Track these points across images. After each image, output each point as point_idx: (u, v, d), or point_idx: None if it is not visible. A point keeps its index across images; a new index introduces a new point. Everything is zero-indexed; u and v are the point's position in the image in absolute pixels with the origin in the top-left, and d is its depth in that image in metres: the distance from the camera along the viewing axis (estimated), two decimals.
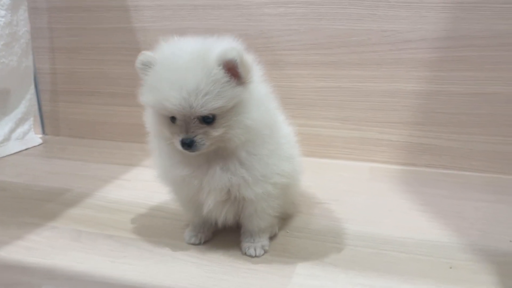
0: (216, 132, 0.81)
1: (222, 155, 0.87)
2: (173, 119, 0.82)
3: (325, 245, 1.01)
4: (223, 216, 0.97)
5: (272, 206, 0.96)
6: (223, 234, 1.05)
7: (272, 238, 1.03)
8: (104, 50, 1.69)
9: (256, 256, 0.96)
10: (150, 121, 0.91)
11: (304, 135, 1.20)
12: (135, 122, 1.73)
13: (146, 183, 1.38)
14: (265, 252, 0.98)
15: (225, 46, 0.80)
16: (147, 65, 0.83)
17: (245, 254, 0.97)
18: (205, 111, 0.78)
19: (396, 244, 1.01)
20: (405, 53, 1.37)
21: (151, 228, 1.10)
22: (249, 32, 1.48)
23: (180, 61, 0.78)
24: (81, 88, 1.78)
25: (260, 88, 0.88)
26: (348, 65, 1.43)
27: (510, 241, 1.02)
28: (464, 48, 1.32)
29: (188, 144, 0.81)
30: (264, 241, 0.99)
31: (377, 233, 1.05)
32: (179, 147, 0.82)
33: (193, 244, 1.01)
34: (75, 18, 1.68)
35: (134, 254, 0.99)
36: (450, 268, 0.92)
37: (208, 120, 0.80)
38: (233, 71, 0.78)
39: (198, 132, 0.81)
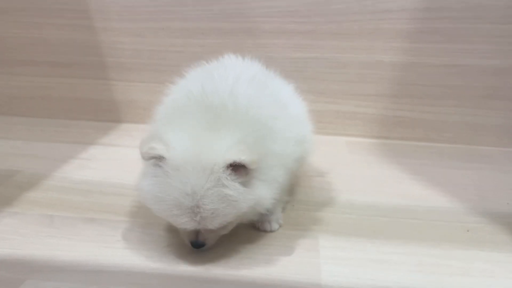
0: (224, 231, 0.78)
1: None
2: None
3: (337, 216, 0.96)
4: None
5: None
6: None
7: (284, 213, 0.95)
8: (41, 11, 1.44)
9: (271, 230, 0.89)
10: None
11: None
12: (82, 96, 1.54)
13: (111, 161, 1.22)
14: (280, 226, 0.90)
15: (228, 147, 0.71)
16: (157, 161, 0.73)
17: (259, 229, 0.89)
18: (214, 226, 0.73)
19: (407, 212, 0.98)
20: (384, 23, 1.34)
21: (135, 209, 0.96)
22: None
23: (191, 177, 0.69)
24: (12, 57, 1.51)
25: None
26: (326, 34, 1.38)
27: (508, 203, 1.05)
28: (440, 20, 1.33)
29: (197, 246, 0.78)
30: (277, 213, 0.91)
31: (383, 203, 1.02)
32: (188, 244, 0.78)
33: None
34: None
35: (129, 237, 0.85)
36: (468, 231, 0.92)
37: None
38: (242, 174, 0.72)
39: (208, 236, 0.77)
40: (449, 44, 1.35)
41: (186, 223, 0.72)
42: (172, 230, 0.86)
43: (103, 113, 1.54)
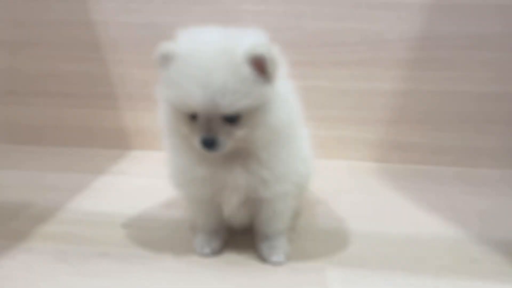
0: (239, 132, 0.75)
1: (241, 155, 0.81)
2: (193, 116, 0.75)
3: (343, 246, 0.99)
4: (241, 218, 0.93)
5: (289, 206, 0.92)
6: (234, 243, 0.98)
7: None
8: (54, 45, 1.50)
9: (279, 262, 0.91)
10: (165, 118, 0.82)
11: None
12: (92, 125, 1.59)
13: (124, 191, 1.26)
14: (287, 257, 0.93)
15: (252, 40, 0.74)
16: (168, 59, 0.74)
17: (267, 261, 0.92)
18: (231, 110, 0.72)
19: (411, 241, 1.01)
20: (383, 52, 1.39)
21: (149, 242, 0.99)
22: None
23: (205, 57, 0.71)
24: (25, 88, 1.57)
25: (285, 84, 0.83)
26: (327, 64, 1.42)
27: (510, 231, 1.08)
28: (438, 49, 1.38)
29: (209, 144, 0.74)
30: (284, 245, 0.94)
31: (386, 231, 1.05)
32: (199, 146, 0.75)
33: (206, 255, 0.93)
34: (20, 7, 1.47)
35: (143, 273, 0.88)
36: (473, 261, 0.93)
37: (232, 119, 0.74)
38: (260, 67, 0.72)
39: (220, 131, 0.74)
40: (446, 72, 1.39)
41: (199, 99, 0.70)
42: (192, 263, 0.90)
43: (112, 141, 1.59)
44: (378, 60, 1.40)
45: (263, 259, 0.92)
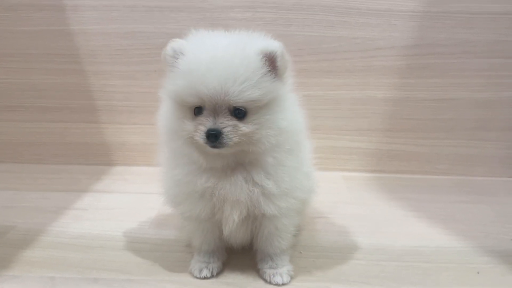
0: (246, 128, 0.73)
1: (245, 165, 0.78)
2: (198, 111, 0.74)
3: (347, 262, 0.94)
4: (242, 237, 0.88)
5: (293, 223, 0.88)
6: (233, 263, 0.92)
7: (292, 261, 0.92)
8: (31, 56, 1.42)
9: (283, 284, 0.86)
10: (166, 117, 0.79)
11: None
12: (72, 140, 1.51)
13: (109, 211, 1.19)
14: (291, 277, 0.88)
15: (264, 39, 0.77)
16: (179, 53, 0.74)
17: (270, 282, 0.86)
18: (240, 100, 0.71)
19: (415, 255, 0.98)
20: (375, 60, 1.37)
21: (141, 265, 0.92)
22: None
23: (218, 48, 0.72)
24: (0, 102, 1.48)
25: (293, 95, 0.82)
26: (319, 72, 1.39)
27: (511, 240, 1.05)
28: (430, 56, 1.36)
29: (214, 136, 0.72)
30: (287, 264, 0.89)
31: (390, 245, 1.02)
32: (202, 140, 0.72)
33: (205, 278, 0.87)
34: None
35: None
36: (478, 273, 0.91)
37: (239, 113, 0.73)
38: (272, 64, 0.73)
39: (227, 123, 0.72)
40: (439, 79, 1.38)
41: (210, 85, 0.70)
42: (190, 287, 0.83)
43: (94, 156, 1.51)
44: (370, 68, 1.38)
45: (265, 280, 0.87)
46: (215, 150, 0.74)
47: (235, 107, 0.72)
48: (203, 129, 0.72)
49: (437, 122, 1.42)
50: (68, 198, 1.24)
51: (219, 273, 0.89)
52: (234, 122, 0.73)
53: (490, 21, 1.33)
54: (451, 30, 1.34)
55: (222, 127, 0.72)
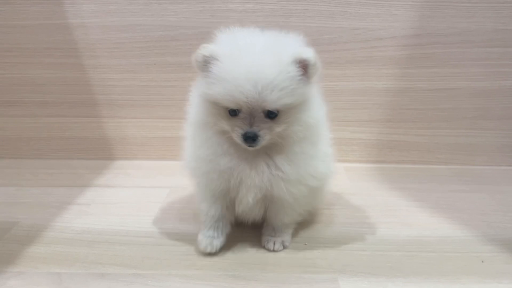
0: (278, 127, 0.79)
1: (269, 150, 0.83)
2: (233, 112, 0.78)
3: (352, 253, 0.95)
4: (254, 215, 0.95)
5: (300, 203, 0.92)
6: (240, 252, 0.95)
7: (295, 253, 0.94)
8: (30, 51, 1.40)
9: (274, 250, 0.94)
10: (200, 111, 0.83)
11: None
12: (72, 135, 1.50)
13: (112, 205, 1.18)
14: (285, 247, 0.95)
15: (297, 44, 0.81)
16: (211, 59, 0.76)
17: (264, 247, 0.95)
18: (276, 105, 0.76)
19: (419, 244, 0.99)
20: (376, 50, 1.36)
21: (148, 260, 0.92)
22: (213, 30, 1.34)
23: (255, 54, 0.75)
24: None
25: (317, 86, 0.86)
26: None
27: None
28: (430, 46, 1.36)
29: (252, 138, 0.77)
30: (285, 236, 0.96)
31: (394, 235, 1.03)
32: (240, 140, 0.78)
33: (209, 253, 0.92)
34: None
35: None
36: (482, 262, 0.92)
37: (272, 115, 0.78)
38: (305, 69, 0.77)
39: (262, 126, 0.78)
40: (439, 69, 1.38)
41: (249, 93, 0.73)
42: (197, 280, 0.84)
43: (95, 151, 1.50)
44: (371, 58, 1.37)
45: (262, 244, 0.95)
46: (250, 148, 0.80)
47: (269, 110, 0.77)
48: (240, 131, 0.78)
49: (437, 112, 1.42)
50: (70, 193, 1.24)
51: (221, 248, 0.93)
52: (268, 124, 0.78)
53: (490, 10, 1.32)
54: (451, 19, 1.33)
55: (259, 130, 0.77)
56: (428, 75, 1.39)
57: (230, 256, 0.93)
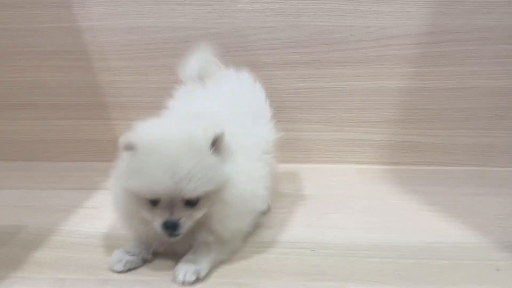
0: (199, 213, 0.80)
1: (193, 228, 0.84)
2: (153, 202, 0.79)
3: (361, 260, 0.92)
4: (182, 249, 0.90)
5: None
6: None
7: (301, 260, 0.91)
8: (39, 54, 1.41)
9: (182, 281, 0.81)
10: (122, 201, 0.86)
11: (285, 140, 1.14)
12: (82, 138, 1.50)
13: None
14: (198, 279, 0.82)
15: (207, 125, 0.82)
16: (130, 149, 0.79)
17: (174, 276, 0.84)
18: (194, 195, 0.77)
19: (431, 251, 0.95)
20: (388, 49, 1.33)
21: (153, 266, 0.90)
22: (221, 30, 1.34)
23: (170, 146, 0.77)
24: (9, 101, 1.48)
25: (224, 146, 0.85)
26: (330, 63, 1.36)
27: None
28: (446, 43, 1.32)
29: (172, 227, 0.78)
30: (201, 262, 0.84)
31: (405, 241, 0.99)
32: (160, 230, 0.79)
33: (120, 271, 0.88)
34: (2, 16, 1.38)
35: None
36: (498, 270, 0.88)
37: (192, 203, 0.79)
38: (216, 146, 0.80)
39: (183, 214, 0.79)
40: (455, 67, 1.34)
41: (166, 186, 0.75)
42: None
43: (105, 153, 1.50)
44: (383, 57, 1.34)
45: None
46: (172, 239, 0.81)
47: (188, 199, 0.78)
48: (160, 220, 0.78)
49: (453, 112, 1.38)
50: (80, 196, 1.24)
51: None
52: (188, 211, 0.79)
53: (508, 5, 1.28)
54: (467, 15, 1.29)
55: (178, 218, 0.78)
56: (444, 73, 1.35)
57: (234, 263, 0.91)
